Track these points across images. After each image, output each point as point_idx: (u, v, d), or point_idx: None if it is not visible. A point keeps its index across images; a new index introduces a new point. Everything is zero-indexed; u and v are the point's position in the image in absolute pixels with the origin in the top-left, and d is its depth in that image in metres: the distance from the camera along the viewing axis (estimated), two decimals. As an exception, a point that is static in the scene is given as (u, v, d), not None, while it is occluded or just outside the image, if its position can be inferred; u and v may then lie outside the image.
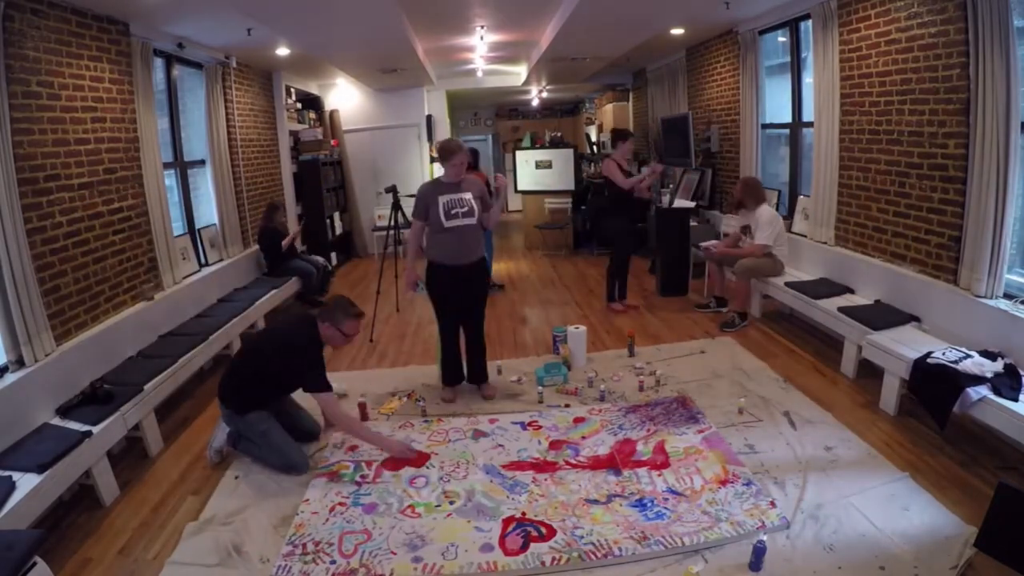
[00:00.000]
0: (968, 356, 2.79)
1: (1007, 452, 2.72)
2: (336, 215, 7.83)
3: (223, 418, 2.99)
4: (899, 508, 2.36)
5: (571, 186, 8.15)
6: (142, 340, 3.68)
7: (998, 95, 2.85)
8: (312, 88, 8.01)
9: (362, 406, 3.41)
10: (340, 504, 2.60)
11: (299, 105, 7.51)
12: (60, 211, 3.21)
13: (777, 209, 5.35)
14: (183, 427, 3.48)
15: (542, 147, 8.52)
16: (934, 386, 2.79)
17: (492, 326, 5.04)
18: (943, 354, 2.85)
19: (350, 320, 2.87)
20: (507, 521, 2.44)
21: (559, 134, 9.92)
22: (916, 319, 3.45)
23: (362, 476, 2.82)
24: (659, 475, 2.70)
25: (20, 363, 2.84)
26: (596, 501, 2.54)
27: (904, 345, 3.10)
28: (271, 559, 2.29)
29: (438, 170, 8.49)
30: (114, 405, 2.89)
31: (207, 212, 5.14)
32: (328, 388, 2.82)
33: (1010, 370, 2.69)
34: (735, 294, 4.65)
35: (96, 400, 2.92)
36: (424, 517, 2.50)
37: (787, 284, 4.36)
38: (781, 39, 5.28)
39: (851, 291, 4.08)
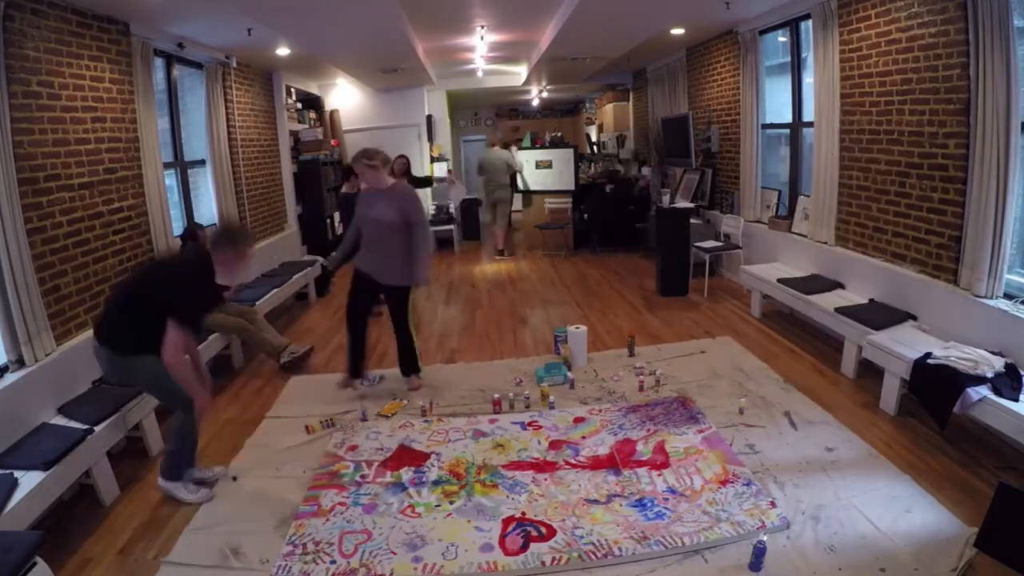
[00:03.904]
0: (971, 359, 2.78)
1: (1007, 452, 2.72)
2: (336, 215, 7.81)
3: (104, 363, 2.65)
4: (900, 509, 2.36)
5: (571, 186, 8.15)
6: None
7: (998, 95, 2.85)
8: (312, 88, 8.01)
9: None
10: (340, 504, 2.60)
11: (299, 105, 7.51)
12: (60, 211, 3.21)
13: (777, 210, 5.37)
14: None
15: (542, 147, 8.53)
16: (934, 386, 2.79)
17: (492, 326, 5.05)
18: (947, 357, 2.84)
19: (230, 249, 2.60)
20: (507, 521, 2.44)
21: (559, 134, 9.95)
22: (912, 317, 3.46)
23: (362, 476, 2.82)
24: (659, 475, 2.70)
25: (20, 363, 2.84)
26: (596, 501, 2.53)
27: (904, 345, 3.10)
28: (271, 559, 2.29)
29: (439, 170, 8.53)
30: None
31: (207, 212, 5.14)
32: (187, 322, 2.51)
33: (1010, 370, 2.69)
34: None
35: None
36: (424, 517, 2.50)
37: (779, 280, 4.40)
38: (781, 39, 5.28)
39: (842, 286, 4.13)
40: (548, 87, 10.40)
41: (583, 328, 4.03)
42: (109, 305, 2.74)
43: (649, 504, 2.49)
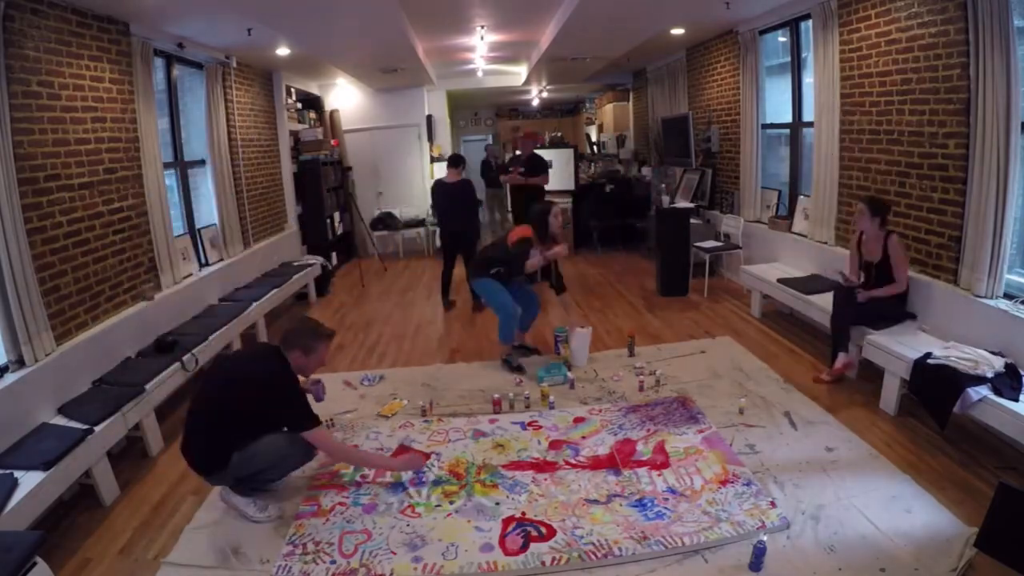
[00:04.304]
0: (971, 359, 2.78)
1: (1007, 452, 2.72)
2: (336, 215, 7.82)
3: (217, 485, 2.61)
4: (900, 509, 2.36)
5: (571, 186, 8.14)
6: (142, 340, 3.68)
7: (998, 95, 2.85)
8: (312, 88, 8.00)
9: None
10: (340, 504, 2.60)
11: (299, 105, 7.51)
12: (60, 211, 3.21)
13: (777, 210, 5.37)
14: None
15: (542, 147, 8.52)
16: (934, 386, 2.79)
17: (492, 326, 5.03)
18: (947, 357, 2.84)
19: (322, 343, 2.63)
20: (507, 521, 2.44)
21: (559, 134, 9.94)
22: (912, 317, 3.46)
23: (362, 476, 2.82)
24: (659, 475, 2.70)
25: (20, 363, 2.84)
26: (596, 501, 2.54)
27: (904, 345, 3.10)
28: (271, 559, 2.29)
29: (439, 170, 8.57)
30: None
31: (207, 212, 5.14)
32: (316, 422, 2.53)
33: (1010, 370, 2.69)
34: None
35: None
36: (424, 517, 2.50)
37: (779, 280, 4.40)
38: (781, 39, 5.28)
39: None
40: (548, 87, 10.40)
41: (588, 328, 4.03)
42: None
43: (649, 504, 2.49)
